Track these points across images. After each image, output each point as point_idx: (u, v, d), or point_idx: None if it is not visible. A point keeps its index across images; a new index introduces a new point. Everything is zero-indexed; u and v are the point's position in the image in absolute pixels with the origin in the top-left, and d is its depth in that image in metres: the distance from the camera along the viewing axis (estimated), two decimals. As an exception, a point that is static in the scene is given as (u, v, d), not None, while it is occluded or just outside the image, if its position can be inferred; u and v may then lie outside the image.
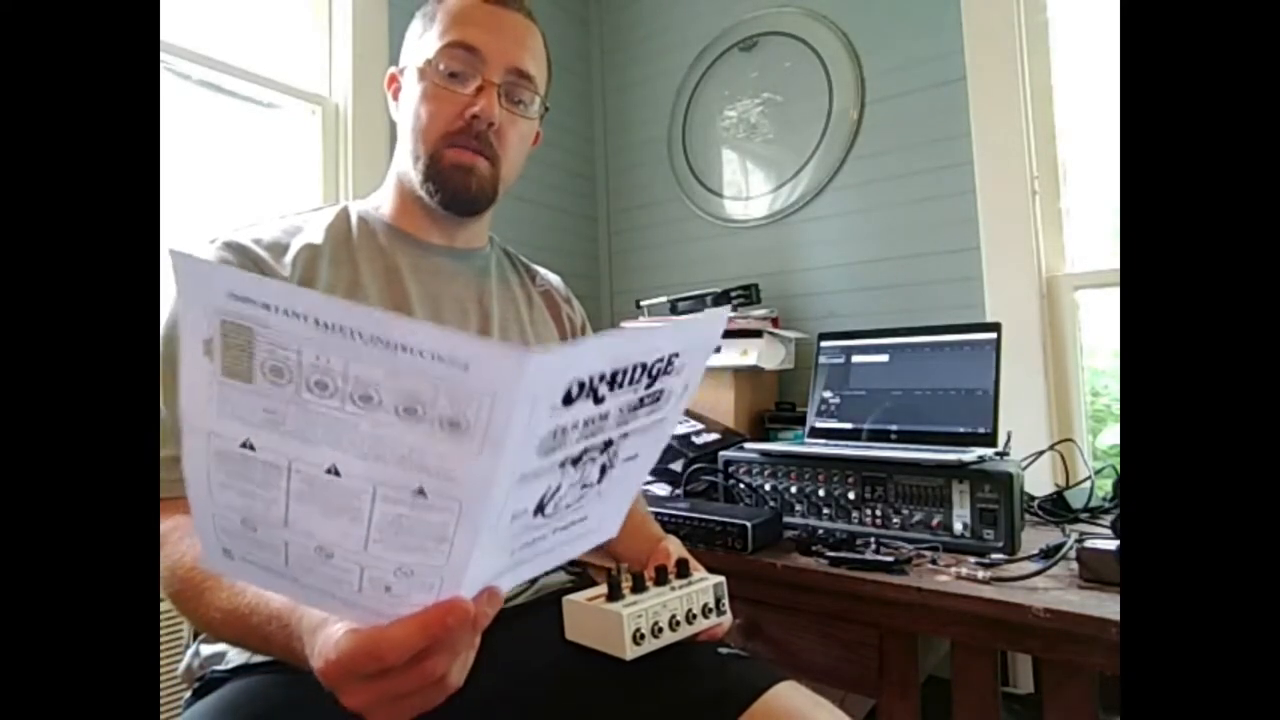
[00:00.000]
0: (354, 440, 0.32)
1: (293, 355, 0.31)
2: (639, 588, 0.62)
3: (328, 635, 0.38)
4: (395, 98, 0.77)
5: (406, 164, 0.73)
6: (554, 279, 0.90)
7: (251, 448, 0.33)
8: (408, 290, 0.71)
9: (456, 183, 0.71)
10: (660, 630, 0.59)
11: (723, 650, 0.67)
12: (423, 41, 0.73)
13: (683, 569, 0.65)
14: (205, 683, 0.62)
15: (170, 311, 0.61)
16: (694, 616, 0.62)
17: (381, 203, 0.77)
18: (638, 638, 0.58)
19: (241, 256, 0.63)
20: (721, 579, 0.66)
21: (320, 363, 0.31)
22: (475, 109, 0.69)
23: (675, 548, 0.72)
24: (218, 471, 0.34)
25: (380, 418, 0.31)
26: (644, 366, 0.36)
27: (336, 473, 0.33)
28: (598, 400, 0.34)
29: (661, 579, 0.63)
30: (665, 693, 0.61)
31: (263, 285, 0.30)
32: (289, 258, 0.65)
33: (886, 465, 0.96)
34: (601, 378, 0.34)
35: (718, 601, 0.64)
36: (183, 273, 0.31)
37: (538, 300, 0.85)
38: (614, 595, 0.60)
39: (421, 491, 0.32)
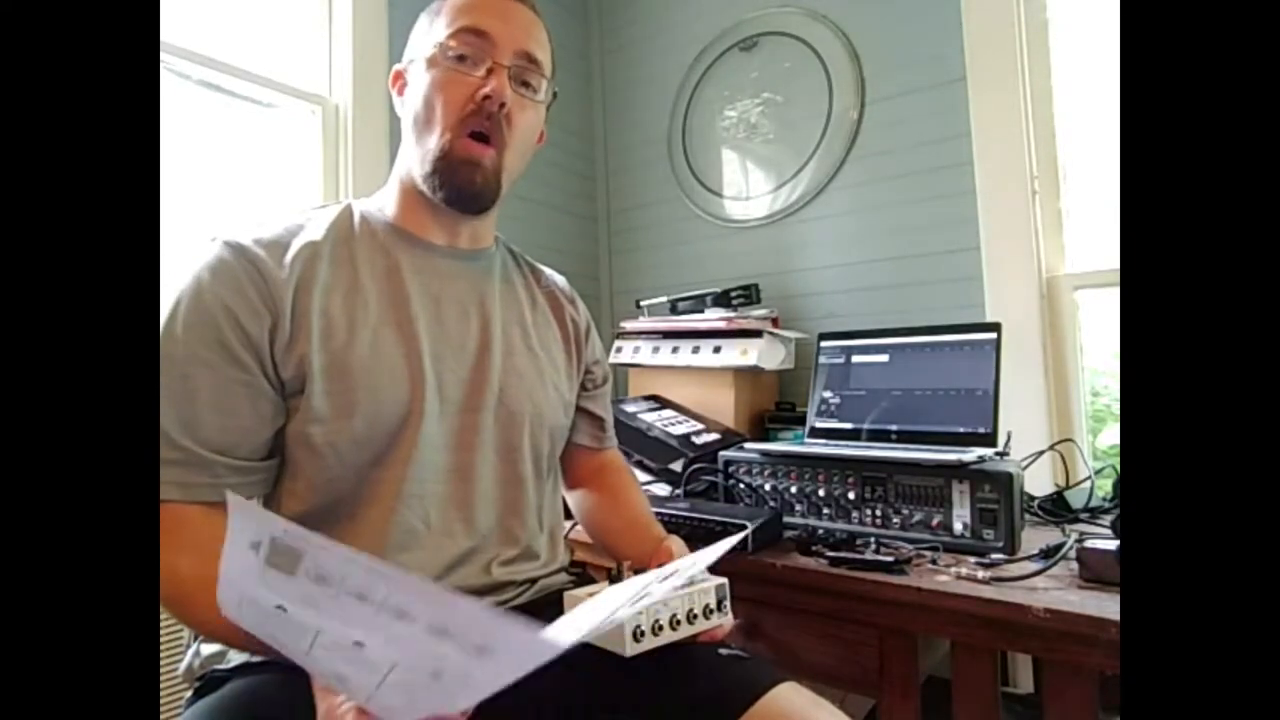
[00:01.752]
0: (383, 635, 0.35)
1: (336, 573, 0.34)
2: None
3: (334, 709, 0.42)
4: (400, 94, 0.77)
5: (412, 158, 0.73)
6: (559, 279, 0.90)
7: (284, 610, 0.37)
8: (408, 291, 0.71)
9: (463, 176, 0.70)
10: (661, 628, 0.60)
11: (723, 651, 0.67)
12: (430, 35, 0.73)
13: (684, 569, 0.65)
14: (206, 682, 0.62)
15: (169, 310, 0.61)
16: (695, 617, 0.62)
17: (385, 202, 0.76)
18: (638, 635, 0.58)
19: (239, 256, 0.63)
20: (724, 580, 0.66)
21: (362, 585, 0.34)
22: (487, 89, 0.69)
23: (678, 548, 0.72)
24: (250, 613, 0.38)
25: (412, 629, 0.33)
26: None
27: (361, 645, 0.36)
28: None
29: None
30: (666, 693, 0.61)
31: (315, 540, 0.34)
32: (289, 257, 0.65)
33: (886, 465, 0.96)
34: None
35: (719, 603, 0.64)
36: (240, 509, 0.35)
37: (541, 301, 0.85)
38: None
39: (437, 675, 0.35)
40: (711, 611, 0.64)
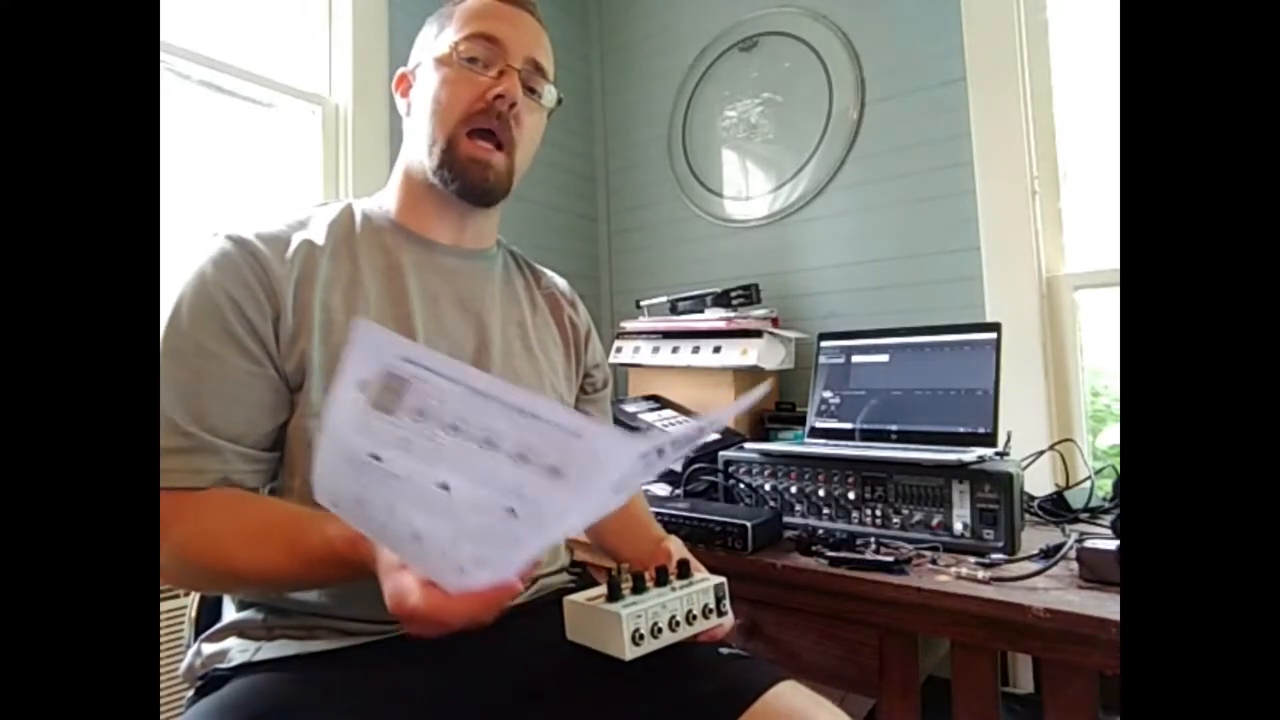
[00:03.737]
0: (470, 470, 0.38)
1: (436, 404, 0.37)
2: (639, 588, 0.61)
3: (402, 583, 0.44)
4: (405, 96, 0.78)
5: (420, 152, 0.73)
6: (560, 282, 0.90)
7: (378, 459, 0.40)
8: (407, 287, 0.71)
9: (473, 174, 0.72)
10: (660, 631, 0.59)
11: (723, 650, 0.67)
12: (439, 39, 0.74)
13: (683, 569, 0.65)
14: (207, 682, 0.62)
15: (174, 303, 0.61)
16: (694, 617, 0.62)
17: (387, 200, 0.77)
18: (637, 638, 0.58)
19: (241, 249, 0.63)
20: (722, 580, 0.66)
21: (458, 412, 0.37)
22: (499, 89, 0.70)
23: (677, 548, 0.72)
24: (342, 466, 0.41)
25: (497, 458, 0.37)
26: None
27: (446, 488, 0.39)
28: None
29: (662, 579, 0.63)
30: (665, 693, 0.61)
31: (431, 356, 0.37)
32: (290, 252, 0.65)
33: (886, 465, 0.96)
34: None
35: (718, 602, 0.64)
36: (365, 336, 0.38)
37: (541, 303, 0.85)
38: (614, 595, 0.60)
39: (512, 511, 0.38)
40: (710, 611, 0.63)
